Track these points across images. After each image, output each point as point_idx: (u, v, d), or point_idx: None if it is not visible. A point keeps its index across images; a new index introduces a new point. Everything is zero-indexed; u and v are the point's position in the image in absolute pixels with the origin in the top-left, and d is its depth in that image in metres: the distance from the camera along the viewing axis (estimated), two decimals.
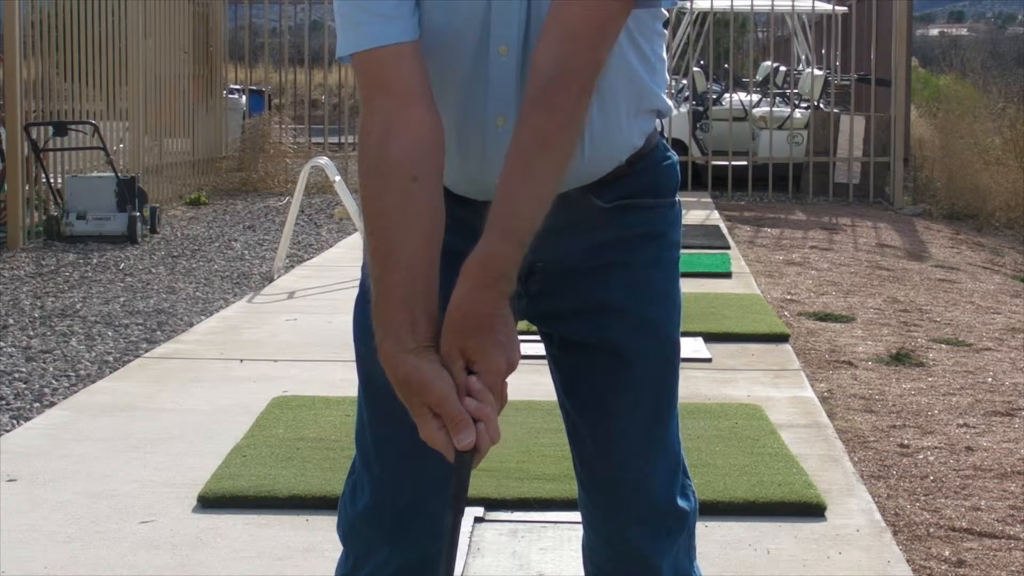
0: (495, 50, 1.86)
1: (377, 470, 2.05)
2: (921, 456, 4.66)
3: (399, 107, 1.80)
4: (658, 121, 2.05)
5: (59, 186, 10.34)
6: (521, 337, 2.00)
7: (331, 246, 9.99)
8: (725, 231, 10.91)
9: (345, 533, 2.12)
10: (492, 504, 3.88)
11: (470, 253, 1.76)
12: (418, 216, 1.79)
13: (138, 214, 10.14)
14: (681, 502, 2.06)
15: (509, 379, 1.79)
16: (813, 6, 15.51)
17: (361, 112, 1.86)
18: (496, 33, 1.85)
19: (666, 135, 2.08)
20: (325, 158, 9.16)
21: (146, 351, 6.23)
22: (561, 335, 2.03)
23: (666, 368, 2.04)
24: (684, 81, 15.46)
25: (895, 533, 3.84)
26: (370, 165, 1.81)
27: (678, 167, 2.07)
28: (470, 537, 3.66)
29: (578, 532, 2.19)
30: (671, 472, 2.06)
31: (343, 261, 9.04)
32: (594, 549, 2.11)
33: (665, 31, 2.00)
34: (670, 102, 2.04)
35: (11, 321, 6.98)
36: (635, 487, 2.04)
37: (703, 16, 15.97)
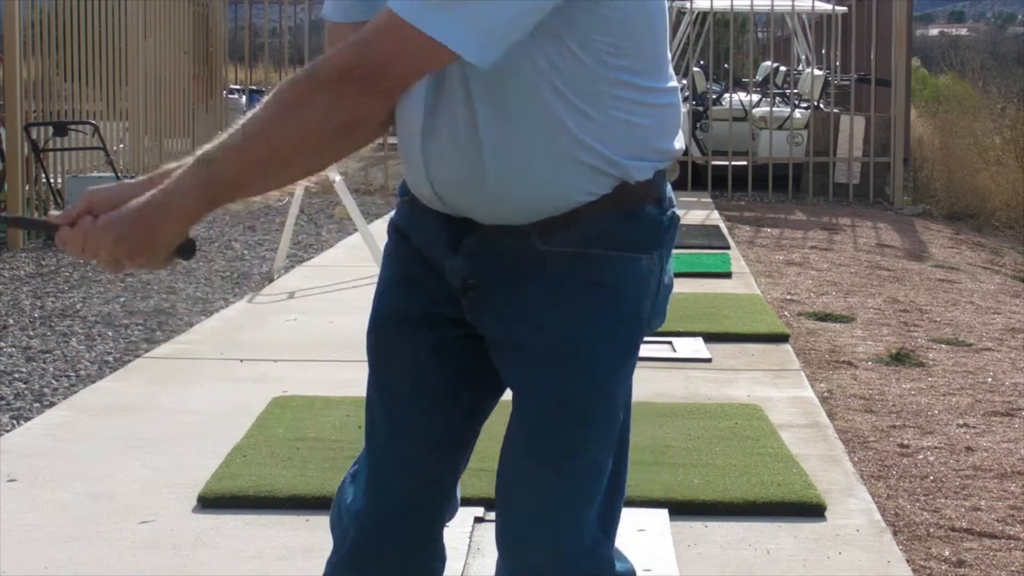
0: None
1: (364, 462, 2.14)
2: (921, 456, 4.66)
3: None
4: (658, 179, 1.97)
5: (59, 186, 10.34)
6: None
7: (331, 246, 9.99)
8: (725, 231, 10.91)
9: (331, 521, 2.19)
10: (492, 504, 3.87)
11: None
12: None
13: None
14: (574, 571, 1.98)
15: None
16: (813, 6, 15.51)
17: None
18: None
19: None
20: None
21: (146, 351, 6.23)
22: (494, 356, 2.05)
23: (567, 417, 1.96)
24: (684, 81, 15.46)
25: (895, 533, 3.85)
26: (286, 89, 1.82)
27: (663, 223, 1.98)
28: (470, 537, 3.66)
29: None
30: (571, 534, 1.97)
31: (343, 261, 9.04)
32: None
33: (636, 95, 1.90)
34: (636, 169, 1.92)
35: (11, 321, 6.98)
36: (517, 539, 2.00)
37: (703, 16, 15.96)
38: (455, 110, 1.88)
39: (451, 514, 2.20)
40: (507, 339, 1.98)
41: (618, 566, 2.04)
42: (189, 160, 1.83)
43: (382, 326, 2.09)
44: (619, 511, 2.05)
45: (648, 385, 5.22)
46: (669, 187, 2.03)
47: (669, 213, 2.00)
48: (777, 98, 15.55)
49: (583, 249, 1.93)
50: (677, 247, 2.08)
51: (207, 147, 1.81)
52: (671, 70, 1.98)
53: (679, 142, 2.00)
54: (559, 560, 1.97)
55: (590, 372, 1.95)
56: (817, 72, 16.11)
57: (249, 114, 1.80)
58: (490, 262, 1.95)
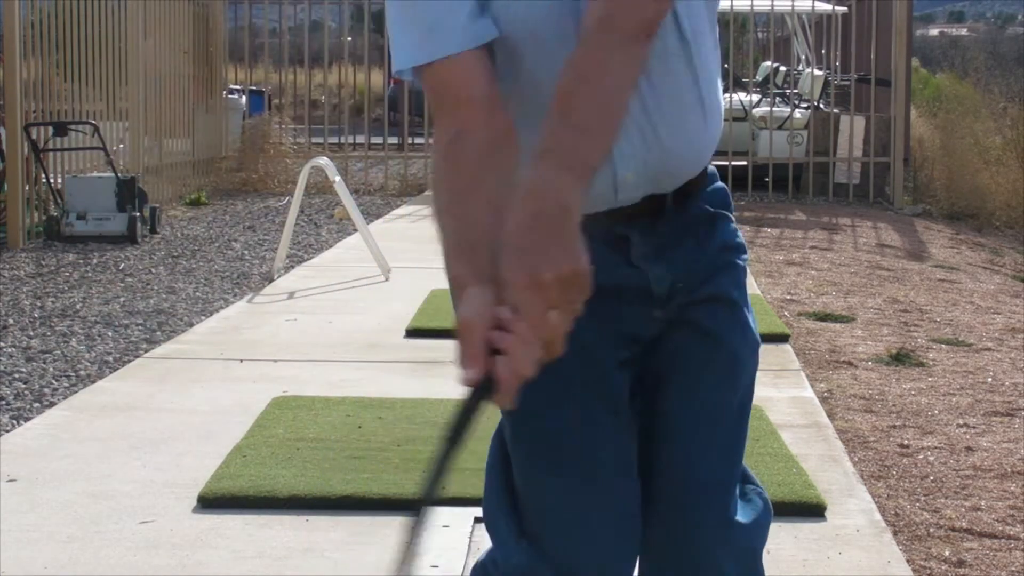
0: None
1: (542, 532, 1.95)
2: (921, 456, 4.66)
3: (463, 113, 1.76)
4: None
5: (59, 186, 10.34)
6: None
7: (331, 246, 9.99)
8: None
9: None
10: None
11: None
12: (489, 182, 1.72)
13: (138, 214, 10.14)
14: (741, 515, 1.99)
15: None
16: (813, 6, 15.51)
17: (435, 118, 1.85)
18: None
19: None
20: (325, 158, 9.16)
21: (146, 351, 6.23)
22: (679, 317, 1.97)
23: (753, 376, 2.04)
24: None
25: (895, 533, 3.85)
26: (443, 158, 1.77)
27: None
28: (470, 537, 3.66)
29: None
30: (734, 484, 2.00)
31: (343, 261, 9.04)
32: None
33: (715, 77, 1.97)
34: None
35: (11, 321, 6.98)
36: (707, 488, 1.96)
37: None
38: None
39: None
40: (706, 295, 1.98)
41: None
42: (524, 172, 1.67)
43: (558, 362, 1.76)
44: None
45: None
46: None
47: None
48: (777, 98, 15.55)
49: (713, 209, 2.03)
50: None
51: (546, 140, 1.66)
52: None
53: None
54: (734, 512, 1.99)
55: (754, 348, 2.03)
56: (817, 72, 16.11)
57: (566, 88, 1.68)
58: (673, 250, 1.95)
